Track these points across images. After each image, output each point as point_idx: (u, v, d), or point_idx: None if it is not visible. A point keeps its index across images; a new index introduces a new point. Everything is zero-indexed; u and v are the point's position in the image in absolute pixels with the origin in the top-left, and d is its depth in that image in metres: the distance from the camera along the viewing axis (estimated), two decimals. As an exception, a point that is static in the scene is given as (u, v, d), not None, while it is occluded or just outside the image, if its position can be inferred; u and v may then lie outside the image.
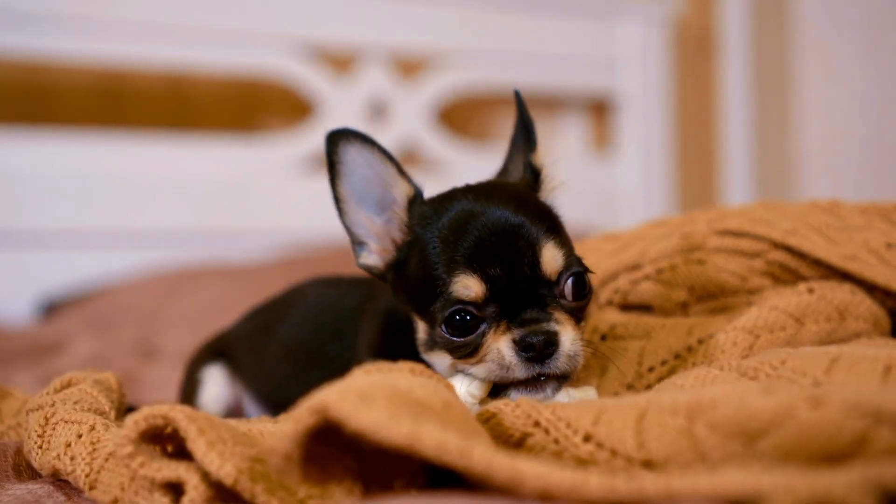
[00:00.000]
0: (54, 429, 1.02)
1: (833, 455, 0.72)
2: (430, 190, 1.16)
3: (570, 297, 1.06)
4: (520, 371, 1.02)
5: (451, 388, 0.90)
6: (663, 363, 1.18)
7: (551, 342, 1.02)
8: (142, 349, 2.43)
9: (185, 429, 0.82)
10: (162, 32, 3.10)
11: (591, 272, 1.10)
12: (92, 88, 3.32)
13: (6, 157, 2.94)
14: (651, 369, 1.18)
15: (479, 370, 1.04)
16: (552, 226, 1.08)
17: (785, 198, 3.81)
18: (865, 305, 1.25)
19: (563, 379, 1.05)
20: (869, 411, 0.72)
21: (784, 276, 1.34)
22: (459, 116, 3.77)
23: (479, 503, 0.73)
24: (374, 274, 1.16)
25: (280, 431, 0.76)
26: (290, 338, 1.37)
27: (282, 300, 1.46)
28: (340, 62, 3.40)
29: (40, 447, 1.02)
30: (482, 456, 0.71)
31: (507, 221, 1.05)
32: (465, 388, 1.05)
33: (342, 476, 0.81)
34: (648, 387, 1.15)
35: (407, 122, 3.40)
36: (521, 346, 1.02)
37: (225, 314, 1.84)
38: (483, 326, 1.04)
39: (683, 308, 1.36)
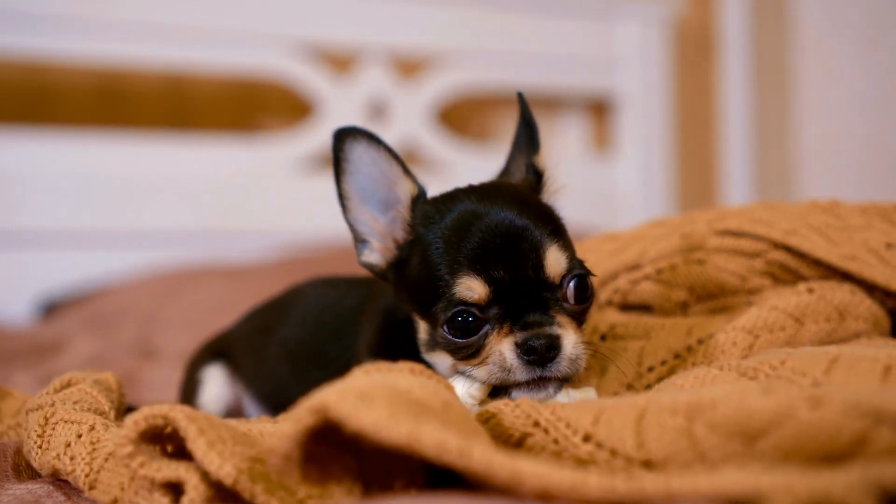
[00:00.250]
0: (54, 429, 1.02)
1: (833, 455, 0.72)
2: (430, 190, 1.16)
3: (572, 301, 1.07)
4: (521, 374, 1.03)
5: (450, 389, 0.90)
6: (663, 363, 1.18)
7: (553, 346, 1.02)
8: (141, 349, 2.43)
9: (185, 429, 0.82)
10: (162, 32, 3.10)
11: (594, 275, 1.10)
12: (92, 88, 3.32)
13: (6, 157, 2.94)
14: (651, 369, 1.18)
15: (481, 372, 1.04)
16: (555, 228, 1.08)
17: (785, 198, 3.81)
18: (865, 305, 1.25)
19: (564, 380, 1.05)
20: (868, 411, 0.72)
21: (784, 276, 1.34)
22: (459, 116, 3.77)
23: (479, 503, 0.73)
24: (376, 272, 1.16)
25: (280, 431, 0.76)
26: (289, 338, 1.37)
27: (282, 300, 1.46)
28: (340, 62, 3.40)
29: (40, 447, 1.02)
30: (482, 456, 0.71)
31: (512, 224, 1.05)
32: (465, 389, 1.05)
33: (342, 476, 0.81)
34: (648, 387, 1.15)
35: (407, 122, 3.40)
36: (524, 350, 1.02)
37: (225, 314, 1.84)
38: (485, 328, 1.04)
39: (683, 308, 1.36)
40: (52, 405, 1.08)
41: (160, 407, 0.85)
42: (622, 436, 0.80)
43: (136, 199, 3.09)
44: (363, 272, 1.39)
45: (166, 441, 0.87)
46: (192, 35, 3.14)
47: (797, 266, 1.33)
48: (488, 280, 1.02)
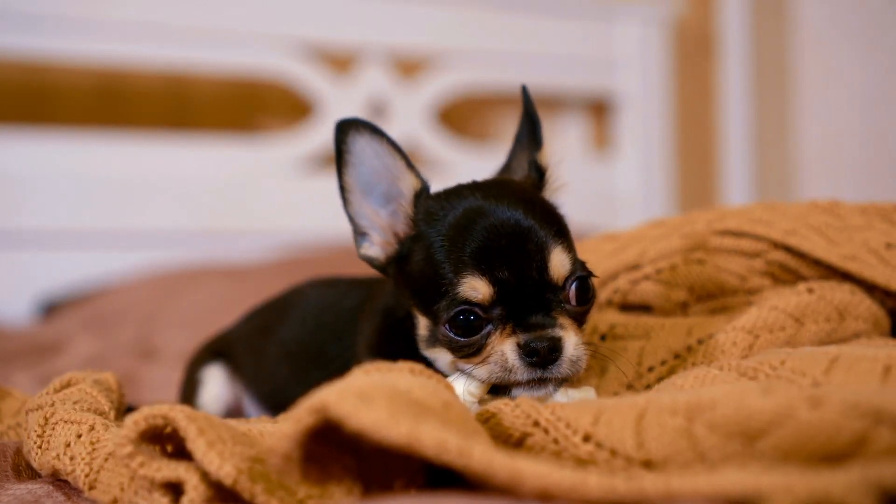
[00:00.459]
0: (54, 429, 1.02)
1: (832, 455, 0.72)
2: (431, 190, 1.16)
3: (573, 302, 1.06)
4: (522, 374, 1.03)
5: (450, 388, 0.90)
6: (663, 363, 1.18)
7: (555, 348, 1.02)
8: (141, 349, 2.43)
9: (185, 429, 0.82)
10: (161, 32, 3.10)
11: (595, 276, 1.10)
12: (91, 88, 3.32)
13: (6, 157, 2.94)
14: (651, 369, 1.18)
15: (482, 371, 1.04)
16: (560, 229, 1.08)
17: (784, 198, 3.81)
18: (865, 305, 1.25)
19: (563, 379, 1.05)
20: (868, 411, 0.72)
21: (784, 276, 1.35)
22: (459, 116, 3.77)
23: (479, 503, 0.73)
24: (375, 266, 1.15)
25: (279, 431, 0.76)
26: (289, 338, 1.37)
27: (281, 301, 1.46)
28: (340, 62, 3.40)
29: (40, 447, 1.02)
30: (482, 455, 0.71)
31: (518, 224, 1.04)
32: (465, 387, 1.05)
33: (342, 476, 0.81)
34: (648, 387, 1.15)
35: (407, 122, 3.40)
36: (526, 351, 1.02)
37: (224, 314, 1.84)
38: (488, 328, 1.04)
39: (683, 308, 1.36)
40: (52, 405, 1.08)
41: (160, 407, 0.85)
42: (622, 436, 0.80)
43: (136, 199, 3.09)
44: (363, 272, 1.39)
45: (166, 441, 0.87)
46: (191, 35, 3.14)
47: (797, 266, 1.33)
48: (493, 281, 1.02)
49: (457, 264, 1.03)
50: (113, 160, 3.07)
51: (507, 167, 1.25)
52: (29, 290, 2.94)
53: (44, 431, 1.03)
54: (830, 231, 1.34)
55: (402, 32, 3.46)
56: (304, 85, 3.30)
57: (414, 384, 0.81)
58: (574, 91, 3.78)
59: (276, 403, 1.34)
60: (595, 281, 1.10)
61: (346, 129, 1.09)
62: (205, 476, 0.81)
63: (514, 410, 0.89)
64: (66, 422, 1.02)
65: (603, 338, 1.26)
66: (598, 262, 1.34)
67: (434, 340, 1.08)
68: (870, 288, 1.29)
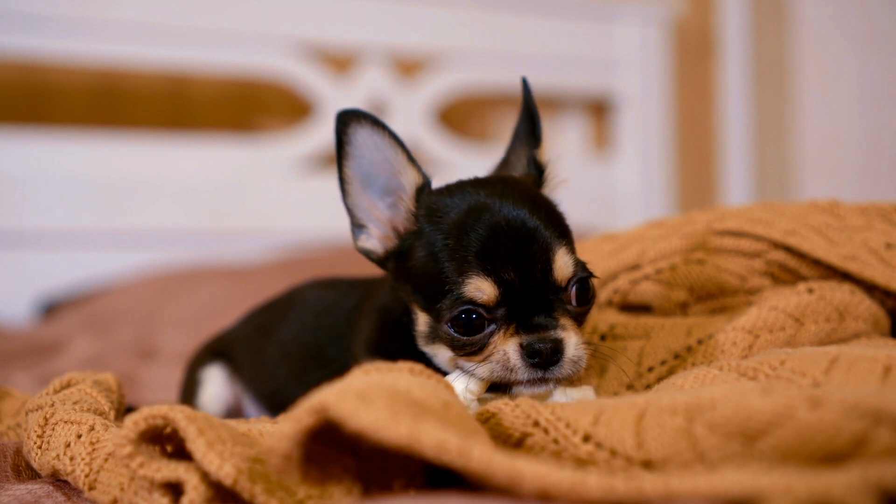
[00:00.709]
0: (54, 429, 1.02)
1: (832, 455, 0.72)
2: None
3: (575, 303, 1.07)
4: (523, 374, 1.03)
5: (450, 389, 0.90)
6: (663, 363, 1.18)
7: (557, 349, 1.02)
8: (141, 349, 2.43)
9: (185, 429, 0.82)
10: (161, 33, 3.10)
11: (596, 277, 1.10)
12: (90, 89, 3.32)
13: (5, 157, 2.94)
14: (650, 369, 1.18)
15: (483, 370, 1.04)
16: (563, 230, 1.08)
17: (784, 198, 3.81)
18: (865, 305, 1.25)
19: (560, 379, 1.05)
20: (868, 412, 0.72)
21: (783, 277, 1.35)
22: (459, 116, 3.77)
23: (478, 503, 0.73)
24: (372, 259, 1.14)
25: (279, 431, 0.76)
26: (289, 339, 1.37)
27: (281, 301, 1.46)
28: (340, 62, 3.40)
29: (40, 447, 1.02)
30: (481, 456, 0.71)
31: (523, 225, 1.04)
32: (464, 385, 1.05)
33: (341, 476, 0.81)
34: (648, 387, 1.15)
35: (406, 123, 3.40)
36: (528, 352, 1.02)
37: (224, 314, 1.84)
38: (491, 328, 1.04)
39: (683, 308, 1.36)
40: (52, 405, 1.08)
41: (160, 407, 0.85)
42: (622, 436, 0.80)
43: (136, 200, 3.09)
44: (363, 272, 1.39)
45: (166, 441, 0.87)
46: (191, 35, 3.14)
47: (797, 266, 1.33)
48: (498, 282, 1.02)
49: (461, 263, 1.03)
50: (112, 160, 3.07)
51: (505, 162, 1.25)
52: (29, 290, 2.94)
53: (44, 432, 1.03)
54: (830, 231, 1.34)
55: (402, 32, 3.46)
56: (304, 85, 3.30)
57: (413, 384, 0.81)
58: (574, 91, 3.77)
59: (275, 404, 1.34)
60: (595, 281, 1.10)
61: (347, 120, 1.08)
62: (205, 476, 0.81)
63: (514, 410, 0.89)
64: (65, 422, 1.02)
65: (603, 338, 1.26)
66: (597, 262, 1.34)
67: (434, 337, 1.08)
68: (869, 288, 1.29)
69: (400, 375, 0.85)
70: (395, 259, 1.12)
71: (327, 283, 1.43)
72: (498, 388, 1.07)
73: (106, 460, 0.94)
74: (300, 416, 0.75)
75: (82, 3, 3.00)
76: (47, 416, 1.05)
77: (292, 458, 0.76)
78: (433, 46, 3.49)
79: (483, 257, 1.03)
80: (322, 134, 3.28)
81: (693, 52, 4.02)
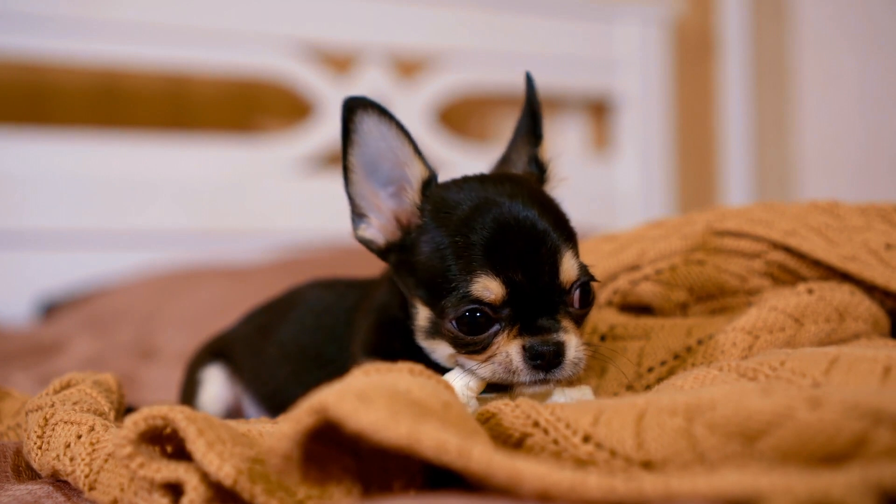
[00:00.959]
0: (54, 429, 1.02)
1: (832, 456, 0.72)
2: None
3: (577, 305, 1.07)
4: (525, 376, 1.03)
5: (450, 389, 0.90)
6: (662, 364, 1.18)
7: (560, 352, 1.02)
8: (141, 350, 2.43)
9: (185, 429, 0.82)
10: (161, 33, 3.10)
11: (597, 280, 1.10)
12: (90, 89, 3.32)
13: (5, 157, 2.94)
14: (650, 370, 1.18)
15: (485, 371, 1.04)
16: (570, 233, 1.08)
17: (784, 198, 3.81)
18: (865, 306, 1.25)
19: (559, 381, 1.06)
20: (868, 412, 0.72)
21: (783, 277, 1.35)
22: (459, 116, 3.77)
23: (478, 503, 0.73)
24: (372, 249, 1.13)
25: (279, 432, 0.76)
26: (289, 339, 1.37)
27: (281, 302, 1.46)
28: (340, 62, 3.40)
29: (40, 448, 1.02)
30: (481, 456, 0.71)
31: (533, 226, 1.04)
32: (463, 382, 1.05)
33: (341, 476, 0.81)
34: (648, 387, 1.15)
35: (406, 123, 3.32)
36: (531, 355, 1.02)
37: (224, 315, 1.84)
38: (495, 327, 1.04)
39: (683, 308, 1.36)
40: (52, 406, 1.08)
41: (159, 408, 0.85)
42: (622, 436, 0.80)
43: (136, 200, 3.09)
44: (363, 272, 1.39)
45: (166, 442, 0.87)
46: (191, 35, 3.14)
47: (797, 267, 1.33)
48: (506, 282, 1.02)
49: (470, 261, 1.02)
50: (112, 160, 3.07)
51: (505, 159, 1.24)
52: (29, 290, 2.94)
53: (43, 432, 1.03)
54: (830, 231, 1.34)
55: (402, 32, 3.46)
56: (304, 85, 3.30)
57: (413, 385, 0.81)
58: (574, 91, 3.78)
59: (275, 404, 1.33)
60: (595, 283, 1.10)
61: (353, 107, 1.07)
62: (204, 477, 0.81)
63: (514, 411, 0.89)
64: (65, 422, 1.02)
65: (603, 338, 1.26)
66: (597, 263, 1.34)
67: (434, 333, 1.07)
68: (869, 288, 1.29)
69: (400, 376, 0.85)
70: (398, 252, 1.11)
71: (327, 284, 1.43)
72: (496, 386, 1.07)
73: (106, 461, 0.94)
74: (300, 416, 0.75)
75: (82, 3, 3.00)
76: (47, 416, 1.05)
77: (292, 459, 0.76)
78: (433, 46, 3.49)
79: (492, 256, 1.02)
80: (322, 134, 3.28)
81: (693, 52, 4.02)
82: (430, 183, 1.11)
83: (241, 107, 3.59)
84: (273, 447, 0.76)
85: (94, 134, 3.09)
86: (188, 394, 1.46)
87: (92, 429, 0.99)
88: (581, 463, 0.81)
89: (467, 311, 1.03)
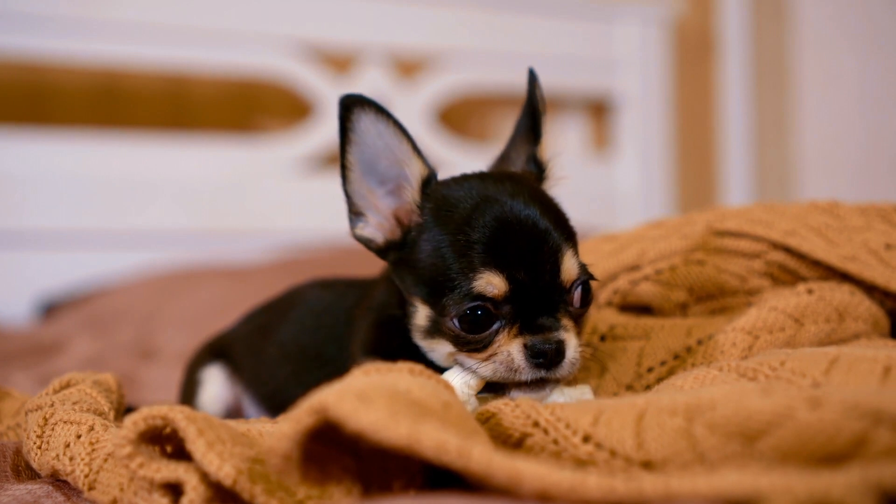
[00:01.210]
0: (53, 429, 1.02)
1: (832, 456, 0.72)
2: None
3: (576, 304, 1.07)
4: (526, 374, 1.03)
5: (450, 389, 0.90)
6: (662, 364, 1.18)
7: (560, 350, 1.03)
8: (141, 350, 2.43)
9: (185, 429, 0.82)
10: (160, 33, 3.10)
11: (596, 279, 1.10)
12: (90, 89, 3.32)
13: (5, 157, 2.94)
14: (650, 370, 1.18)
15: (486, 370, 1.04)
16: (570, 232, 1.08)
17: (784, 198, 3.81)
18: (864, 306, 1.25)
19: (559, 379, 1.05)
20: (868, 412, 0.72)
21: (783, 277, 1.35)
22: (459, 116, 3.77)
23: (478, 503, 0.73)
24: (371, 248, 1.13)
25: (279, 432, 0.76)
26: (289, 339, 1.37)
27: (281, 302, 1.46)
28: (340, 62, 3.40)
29: (39, 447, 1.02)
30: (481, 456, 0.71)
31: (535, 225, 1.04)
32: (462, 380, 1.05)
33: (341, 476, 0.81)
34: (647, 387, 1.15)
35: (406, 123, 3.32)
36: (532, 353, 1.02)
37: (223, 315, 1.84)
38: (497, 325, 1.04)
39: (683, 309, 1.36)
40: (52, 406, 1.08)
41: (159, 407, 0.85)
42: (622, 436, 0.80)
43: (136, 200, 3.09)
44: (363, 272, 1.39)
45: (166, 442, 0.87)
46: (191, 35, 3.14)
47: (796, 267, 1.33)
48: (510, 278, 1.02)
49: (472, 259, 1.02)
50: (112, 160, 3.07)
51: (504, 157, 1.24)
52: (28, 290, 2.94)
53: (43, 432, 1.03)
54: (830, 232, 1.34)
55: (402, 32, 3.46)
56: (304, 85, 3.30)
57: (413, 385, 0.81)
58: (574, 91, 3.77)
59: (275, 404, 1.33)
60: (594, 282, 1.10)
61: (350, 105, 1.07)
62: (204, 477, 0.81)
63: (514, 411, 0.89)
64: (65, 422, 1.02)
65: (602, 338, 1.26)
66: (597, 263, 1.34)
67: (434, 331, 1.07)
68: (869, 289, 1.29)
69: (400, 376, 0.85)
70: (398, 250, 1.11)
71: (327, 283, 1.43)
72: (494, 386, 1.07)
73: (105, 460, 0.94)
74: (300, 416, 0.75)
75: (82, 3, 3.00)
76: (47, 416, 1.05)
77: (292, 459, 0.76)
78: (433, 46, 3.49)
79: (494, 253, 1.02)
80: (322, 134, 3.28)
81: (693, 52, 4.02)
82: (429, 181, 1.10)
83: (241, 107, 3.59)
84: (273, 447, 0.76)
85: (94, 134, 3.09)
86: (188, 394, 1.46)
87: (91, 428, 0.99)
88: (581, 463, 0.81)
89: (469, 308, 1.03)
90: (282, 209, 3.27)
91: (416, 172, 1.10)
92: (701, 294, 1.35)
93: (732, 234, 1.37)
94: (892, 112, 3.72)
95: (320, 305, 1.36)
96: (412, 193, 1.10)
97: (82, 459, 0.95)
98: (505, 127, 3.80)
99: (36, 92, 3.25)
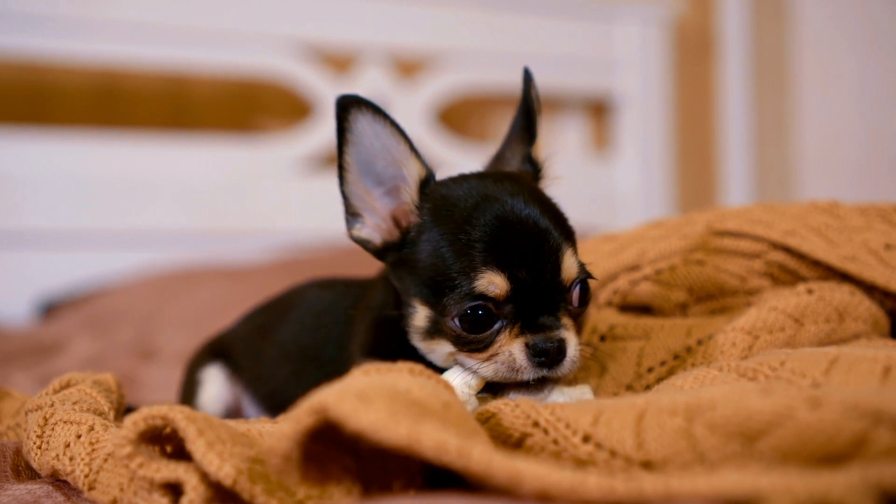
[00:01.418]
0: (53, 429, 1.02)
1: (832, 456, 0.72)
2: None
3: (575, 303, 1.07)
4: (528, 374, 1.03)
5: (450, 389, 0.90)
6: (662, 364, 1.18)
7: (562, 349, 1.03)
8: (141, 350, 2.43)
9: (184, 429, 0.82)
10: (160, 33, 3.10)
11: (594, 278, 1.10)
12: (90, 89, 3.32)
13: (5, 157, 2.94)
14: (650, 370, 1.18)
15: (487, 371, 1.04)
16: (569, 231, 1.09)
17: (784, 198, 3.81)
18: (864, 306, 1.25)
19: (559, 379, 1.06)
20: (868, 412, 0.72)
21: (783, 277, 1.35)
22: (459, 116, 3.77)
23: (478, 503, 0.73)
24: (369, 249, 1.12)
25: (279, 432, 0.76)
26: (288, 339, 1.36)
27: (280, 301, 1.46)
28: (340, 62, 3.40)
29: (39, 447, 1.02)
30: (481, 456, 0.71)
31: (535, 224, 1.04)
32: (462, 380, 1.05)
33: (341, 476, 0.81)
34: (647, 387, 1.15)
35: (406, 123, 3.34)
36: (534, 352, 1.02)
37: (223, 315, 1.83)
38: (498, 325, 1.04)
39: (683, 309, 1.36)
40: (52, 406, 1.08)
41: (159, 407, 0.85)
42: (621, 436, 0.80)
43: (135, 200, 3.09)
44: (363, 272, 1.39)
45: (166, 442, 0.87)
46: (190, 35, 3.14)
47: (796, 267, 1.33)
48: (511, 278, 1.02)
49: (473, 258, 1.02)
50: (112, 160, 3.07)
51: (499, 157, 1.25)
52: (28, 290, 2.94)
53: (43, 432, 1.03)
54: (830, 232, 1.34)
55: (402, 32, 3.46)
56: (304, 85, 3.30)
57: (413, 385, 0.81)
58: (574, 91, 3.77)
59: (275, 404, 1.33)
60: (594, 282, 1.11)
61: (347, 105, 1.06)
62: (204, 477, 0.81)
63: (514, 411, 0.89)
64: (65, 422, 1.02)
65: (602, 338, 1.26)
66: (596, 263, 1.34)
67: (434, 332, 1.07)
68: (869, 289, 1.29)
69: (400, 376, 0.85)
70: (396, 251, 1.11)
71: (326, 283, 1.42)
72: (493, 386, 1.07)
73: (105, 460, 0.94)
74: (300, 416, 0.75)
75: (82, 3, 3.00)
76: (47, 416, 1.05)
77: (292, 459, 0.76)
78: (433, 46, 3.49)
79: (496, 253, 1.02)
80: (322, 134, 3.28)
81: (693, 52, 4.02)
82: (427, 181, 1.10)
83: (241, 107, 3.59)
84: (273, 447, 0.76)
85: (94, 134, 3.09)
86: (188, 394, 1.46)
87: (91, 428, 0.99)
88: (581, 463, 0.81)
89: (470, 307, 1.03)
90: (282, 209, 3.26)
91: (413, 173, 1.09)
92: (701, 294, 1.35)
93: (732, 234, 1.37)
94: (892, 112, 3.72)
95: (320, 305, 1.36)
96: (410, 194, 1.10)
97: (82, 459, 0.95)
98: (505, 127, 3.79)
99: (36, 92, 3.25)
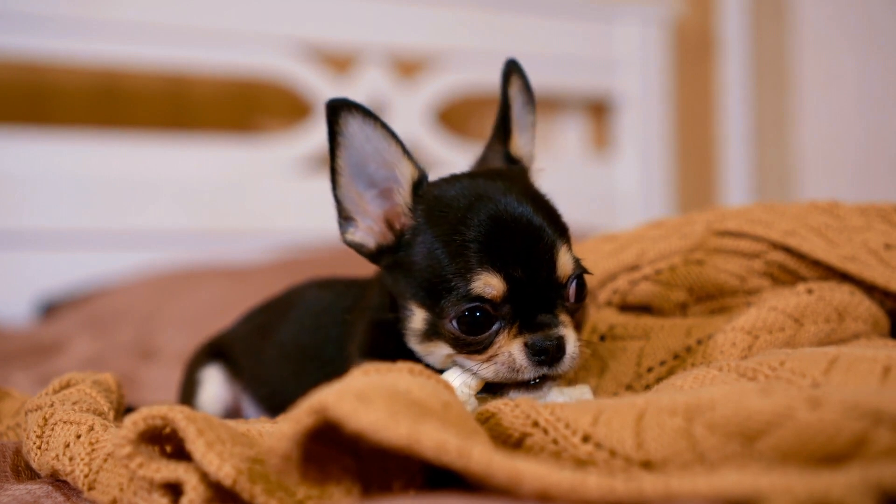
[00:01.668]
0: (53, 429, 1.02)
1: (832, 456, 0.72)
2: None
3: (572, 299, 1.07)
4: (529, 373, 1.03)
5: (449, 389, 0.90)
6: (662, 364, 1.18)
7: (561, 347, 1.03)
8: (140, 350, 2.43)
9: (184, 429, 0.82)
10: (160, 33, 3.10)
11: (590, 273, 1.10)
12: (90, 89, 3.32)
13: (5, 157, 2.94)
14: (650, 370, 1.18)
15: (487, 371, 1.04)
16: (563, 227, 1.08)
17: (784, 198, 3.81)
18: (864, 306, 1.25)
19: (557, 377, 1.06)
20: (868, 412, 0.72)
21: (783, 277, 1.34)
22: (459, 116, 3.77)
23: (478, 503, 0.73)
24: (363, 253, 1.12)
25: (279, 432, 0.76)
26: (288, 339, 1.36)
27: (280, 301, 1.45)
28: (340, 62, 3.40)
29: (39, 447, 1.02)
30: (481, 456, 0.71)
31: (529, 222, 1.04)
32: (462, 380, 1.05)
33: (341, 476, 0.81)
34: (647, 387, 1.15)
35: (406, 123, 3.39)
36: (534, 351, 1.02)
37: (223, 315, 1.83)
38: (496, 326, 1.03)
39: (682, 309, 1.36)
40: (52, 406, 1.08)
41: (159, 407, 0.85)
42: (621, 436, 0.80)
43: (135, 200, 3.09)
44: (362, 272, 1.39)
45: (165, 442, 0.87)
46: (190, 35, 3.14)
47: (796, 267, 1.33)
48: (507, 278, 1.02)
49: (468, 260, 1.02)
50: (112, 160, 3.07)
51: (483, 157, 1.24)
52: (29, 290, 2.94)
53: (43, 432, 1.03)
54: (830, 232, 1.34)
55: (402, 32, 3.46)
56: (304, 85, 3.30)
57: (413, 385, 0.81)
58: (574, 91, 3.77)
59: (275, 404, 1.33)
60: (594, 281, 1.11)
61: (338, 109, 1.06)
62: (204, 477, 0.81)
63: (514, 411, 0.89)
64: (65, 422, 1.02)
65: (602, 338, 1.26)
66: (596, 263, 1.34)
67: (432, 334, 1.06)
68: (869, 289, 1.29)
69: (400, 376, 0.85)
70: (391, 254, 1.10)
71: (326, 283, 1.42)
72: (493, 386, 1.07)
73: (105, 460, 0.94)
74: (299, 416, 0.75)
75: (82, 3, 3.00)
76: (46, 416, 1.05)
77: (292, 459, 0.76)
78: (433, 46, 3.49)
79: (491, 253, 1.02)
80: (322, 134, 3.23)
81: (693, 52, 4.02)
82: (420, 183, 1.10)
83: (241, 107, 3.59)
84: (273, 447, 0.76)
85: (94, 134, 3.09)
86: (187, 394, 1.46)
87: (91, 428, 0.99)
88: (581, 463, 0.81)
89: (468, 309, 1.03)
90: (282, 209, 3.26)
91: (406, 174, 1.09)
92: (700, 294, 1.35)
93: (732, 234, 1.37)
94: (892, 112, 3.71)
95: (319, 305, 1.36)
96: (403, 195, 1.09)
97: (82, 459, 0.95)
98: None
99: (36, 92, 3.25)
